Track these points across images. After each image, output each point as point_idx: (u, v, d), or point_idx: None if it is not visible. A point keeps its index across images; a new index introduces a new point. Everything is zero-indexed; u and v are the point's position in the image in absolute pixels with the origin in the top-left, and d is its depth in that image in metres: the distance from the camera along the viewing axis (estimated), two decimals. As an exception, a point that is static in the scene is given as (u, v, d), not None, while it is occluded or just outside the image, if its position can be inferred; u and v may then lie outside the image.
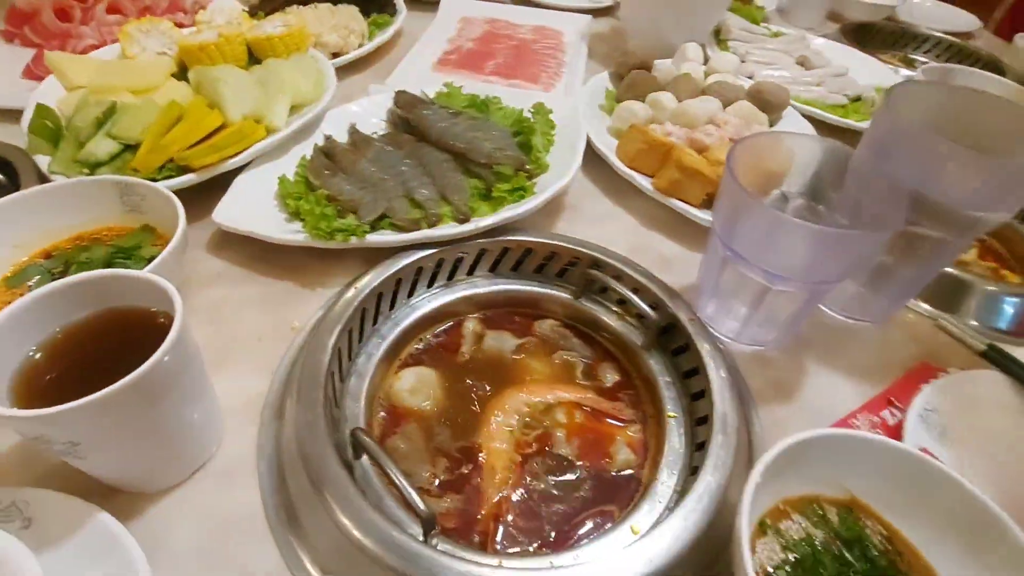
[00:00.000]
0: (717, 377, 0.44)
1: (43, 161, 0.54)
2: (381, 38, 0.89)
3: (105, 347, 0.33)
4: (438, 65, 0.89)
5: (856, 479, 0.38)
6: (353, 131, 0.67)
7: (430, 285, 0.53)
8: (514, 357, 0.49)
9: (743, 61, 0.93)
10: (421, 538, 0.34)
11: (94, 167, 0.53)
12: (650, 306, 0.48)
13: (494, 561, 0.33)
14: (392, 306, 0.50)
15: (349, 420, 0.41)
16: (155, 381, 0.31)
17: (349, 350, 0.45)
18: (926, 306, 0.57)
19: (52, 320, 0.33)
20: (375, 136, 0.67)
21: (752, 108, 0.73)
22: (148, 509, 0.36)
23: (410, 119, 0.66)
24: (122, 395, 0.29)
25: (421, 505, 0.34)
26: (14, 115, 0.61)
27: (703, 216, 0.60)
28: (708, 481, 0.38)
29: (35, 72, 0.73)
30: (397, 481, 0.35)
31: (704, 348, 0.45)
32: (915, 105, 0.48)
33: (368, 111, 0.70)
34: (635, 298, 0.49)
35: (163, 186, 0.47)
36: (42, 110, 0.57)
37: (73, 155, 0.53)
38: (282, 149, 0.63)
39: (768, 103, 0.74)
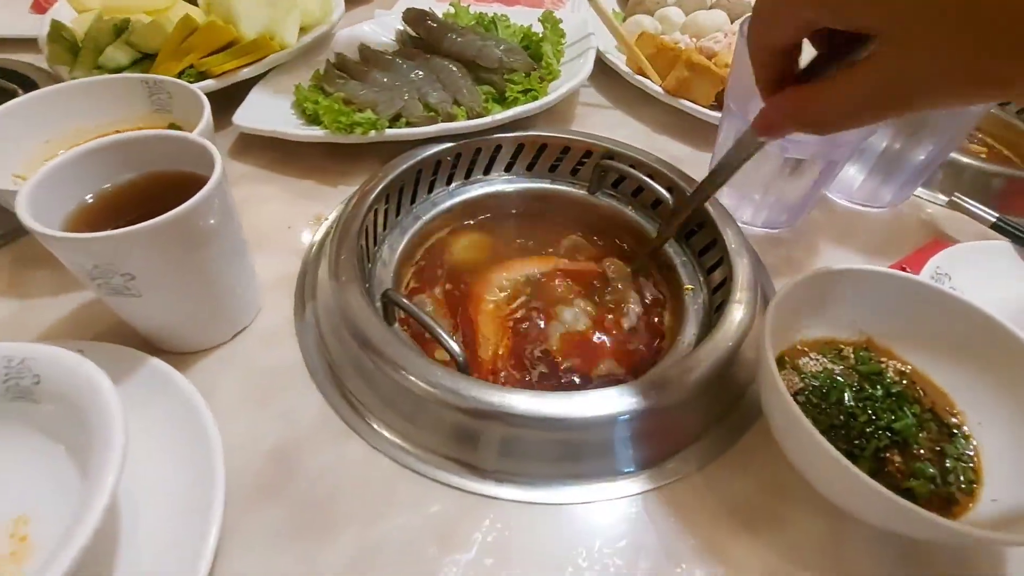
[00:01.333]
0: (733, 240, 0.45)
1: (63, 72, 0.55)
2: (385, -32, 0.89)
3: (151, 202, 0.35)
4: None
5: (872, 321, 0.39)
6: (363, 48, 0.67)
7: (448, 183, 0.54)
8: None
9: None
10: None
11: (113, 72, 0.54)
12: (666, 190, 0.49)
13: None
14: (413, 200, 0.51)
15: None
16: (199, 222, 0.32)
17: (375, 235, 0.47)
18: (936, 193, 0.59)
19: (102, 176, 0.35)
20: (386, 54, 0.67)
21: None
22: (194, 364, 0.38)
23: (419, 33, 0.66)
24: (171, 227, 0.31)
25: (456, 347, 0.36)
26: (27, 44, 0.63)
27: (713, 115, 0.61)
28: (730, 321, 0.39)
29: (43, 5, 0.74)
30: (431, 326, 0.36)
31: (719, 219, 0.47)
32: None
33: (377, 32, 0.71)
34: (651, 182, 0.50)
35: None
36: (57, 25, 0.57)
37: (93, 63, 0.54)
38: (293, 66, 0.64)
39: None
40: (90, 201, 0.34)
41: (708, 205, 0.48)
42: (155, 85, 0.49)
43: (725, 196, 0.54)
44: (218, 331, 0.39)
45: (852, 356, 0.38)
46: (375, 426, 0.36)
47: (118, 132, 0.48)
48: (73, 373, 0.28)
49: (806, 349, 0.39)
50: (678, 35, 0.69)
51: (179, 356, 0.38)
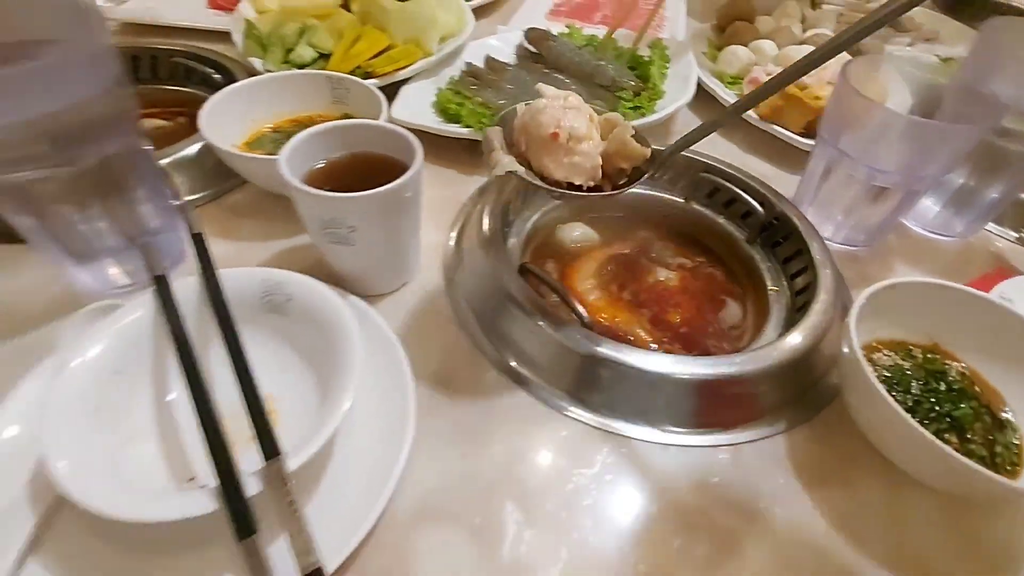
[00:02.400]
0: (818, 252, 0.52)
1: (256, 63, 0.66)
2: (502, -12, 0.99)
3: (359, 175, 0.44)
4: (550, 15, 0.98)
5: (940, 329, 0.45)
6: (490, 60, 0.77)
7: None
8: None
9: (837, 22, 0.99)
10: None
11: (299, 67, 0.65)
12: (758, 203, 0.57)
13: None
14: (536, 192, 0.60)
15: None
16: (406, 193, 0.42)
17: (505, 216, 0.56)
18: (1006, 229, 0.64)
19: (326, 150, 0.45)
20: (508, 65, 0.77)
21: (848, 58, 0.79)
22: (373, 305, 0.47)
23: (540, 50, 0.76)
24: (391, 194, 0.40)
25: (582, 309, 0.45)
26: (210, 35, 0.76)
27: (802, 140, 0.68)
28: (813, 319, 0.46)
29: (219, 3, 0.87)
30: (562, 291, 0.45)
31: (805, 231, 0.54)
32: (1014, 34, 0.54)
33: (500, 46, 0.81)
34: (746, 195, 0.57)
35: (359, 83, 0.59)
36: (250, 23, 0.69)
37: (282, 57, 0.66)
38: (432, 71, 0.74)
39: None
40: (319, 167, 0.45)
41: (795, 219, 0.55)
42: (337, 81, 0.60)
43: (810, 213, 0.60)
44: (394, 280, 0.49)
45: (920, 356, 0.45)
46: (512, 364, 0.45)
47: (310, 118, 0.60)
48: (322, 298, 0.38)
49: (880, 347, 0.46)
50: (771, 66, 0.76)
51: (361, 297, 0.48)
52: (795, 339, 0.44)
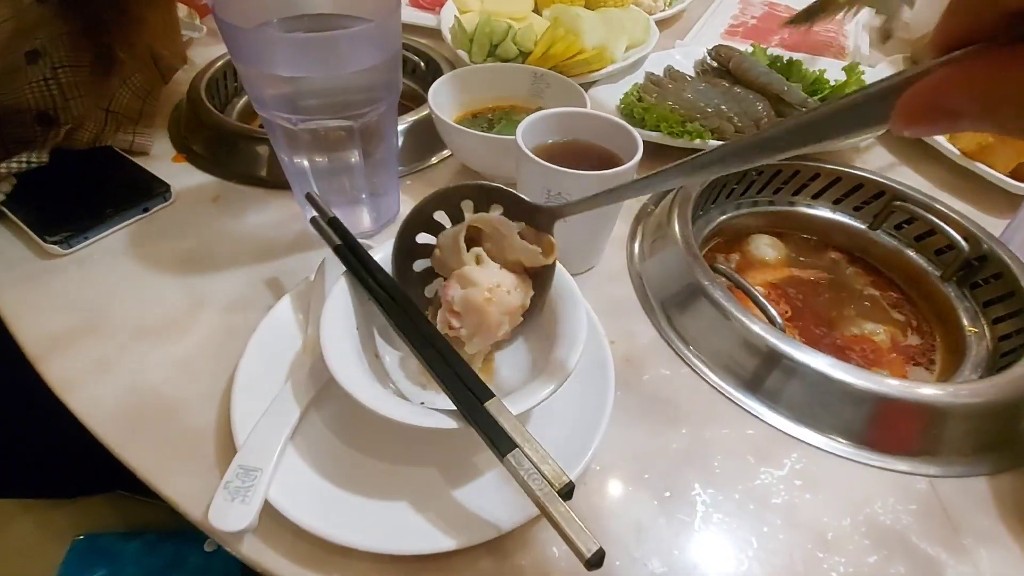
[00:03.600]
0: (1035, 298, 0.49)
1: (464, 56, 0.73)
2: (680, 6, 1.01)
3: (576, 158, 0.47)
4: (726, 34, 0.99)
5: None
6: (671, 70, 0.79)
7: (743, 194, 0.63)
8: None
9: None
10: (780, 338, 0.44)
11: (504, 62, 0.70)
12: (961, 238, 0.54)
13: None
14: (715, 199, 0.61)
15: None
16: (624, 179, 0.44)
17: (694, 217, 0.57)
18: None
19: (553, 131, 0.49)
20: (688, 76, 0.78)
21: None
22: (563, 282, 0.50)
23: (725, 65, 0.77)
24: (615, 177, 0.43)
25: (776, 313, 0.45)
26: (414, 30, 0.84)
27: (1012, 183, 0.63)
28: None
29: (421, 3, 0.95)
30: (754, 294, 0.46)
31: (1020, 272, 0.50)
32: None
33: (680, 60, 0.82)
34: (946, 227, 0.55)
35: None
36: (459, 21, 0.76)
37: (486, 51, 0.71)
38: (616, 77, 0.77)
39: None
40: (546, 144, 0.48)
41: (1006, 258, 0.52)
42: (540, 76, 0.64)
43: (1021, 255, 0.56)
44: (586, 261, 0.52)
45: None
46: (697, 355, 0.46)
47: (511, 106, 0.64)
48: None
49: (1110, 403, 0.42)
50: None
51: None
52: (1012, 379, 0.42)
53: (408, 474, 0.35)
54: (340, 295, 0.36)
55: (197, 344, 0.44)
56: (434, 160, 0.65)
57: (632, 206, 0.61)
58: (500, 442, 0.29)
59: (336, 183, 0.49)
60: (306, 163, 0.47)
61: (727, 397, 0.43)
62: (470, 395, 0.30)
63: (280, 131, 0.45)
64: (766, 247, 0.59)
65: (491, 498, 0.34)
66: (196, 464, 0.36)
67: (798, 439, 0.41)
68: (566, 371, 0.33)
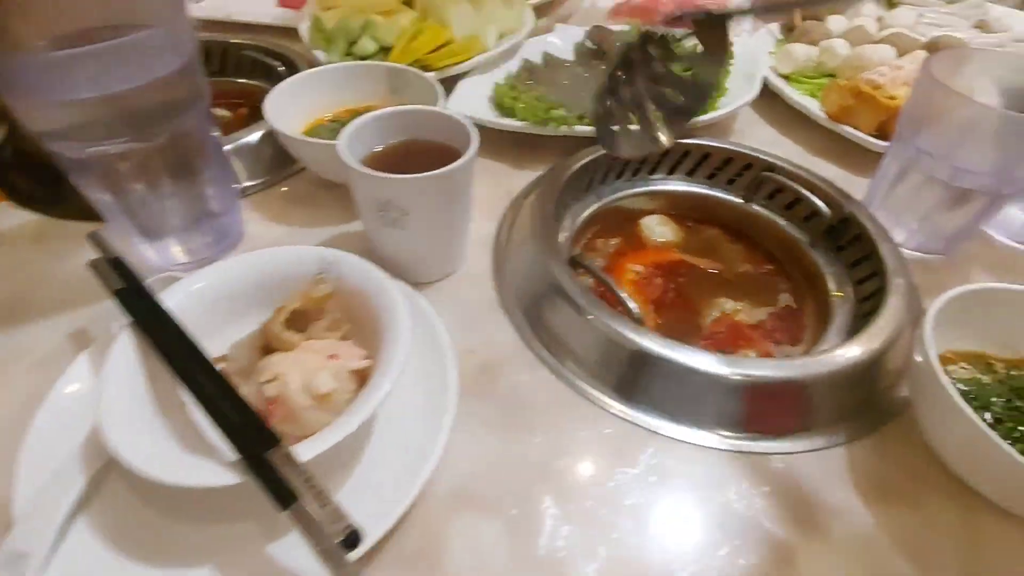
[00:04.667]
0: (889, 257, 0.49)
1: (320, 55, 0.68)
2: (561, -12, 0.99)
3: (414, 160, 0.45)
4: (611, 14, 0.97)
5: (1024, 340, 0.42)
6: (548, 56, 0.77)
7: (618, 178, 0.62)
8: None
9: (917, 22, 0.93)
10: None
11: (361, 59, 0.67)
12: (823, 204, 0.54)
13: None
14: (587, 188, 0.59)
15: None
16: (460, 178, 0.42)
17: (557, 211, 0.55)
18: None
19: (383, 135, 0.46)
20: (565, 62, 0.76)
21: (929, 56, 0.74)
22: (421, 292, 0.48)
23: (601, 47, 0.75)
24: (445, 178, 0.40)
25: (634, 305, 0.43)
26: (277, 32, 0.80)
27: (875, 142, 0.64)
28: (880, 327, 0.43)
29: (288, 1, 0.90)
30: (612, 286, 0.44)
31: (876, 235, 0.51)
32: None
33: (559, 44, 0.80)
34: (811, 195, 0.55)
35: (416, 76, 0.59)
36: (316, 19, 0.72)
37: (345, 50, 0.67)
38: (490, 67, 0.74)
39: (946, 52, 0.76)
40: (377, 151, 0.45)
41: (865, 221, 0.52)
42: (396, 73, 0.61)
43: (881, 217, 0.57)
44: (442, 268, 0.49)
45: (1002, 370, 0.41)
46: (557, 357, 0.44)
47: (368, 108, 0.61)
48: (369, 276, 0.38)
49: (956, 358, 0.42)
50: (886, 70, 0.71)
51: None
52: (860, 346, 0.42)
53: (223, 534, 0.32)
54: (122, 348, 0.32)
55: (-7, 410, 0.39)
56: (297, 169, 0.61)
57: (502, 201, 0.58)
58: (280, 494, 0.26)
59: (155, 211, 0.45)
60: (109, 196, 0.42)
61: (585, 397, 0.42)
62: (251, 443, 0.27)
63: (73, 164, 0.40)
64: (650, 228, 0.57)
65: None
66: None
67: (656, 432, 0.40)
68: (366, 410, 0.30)
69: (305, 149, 0.52)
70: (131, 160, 0.41)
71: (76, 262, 0.50)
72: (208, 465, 0.28)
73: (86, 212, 0.53)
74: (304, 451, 0.28)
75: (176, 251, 0.48)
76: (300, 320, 0.36)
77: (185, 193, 0.45)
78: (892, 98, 0.65)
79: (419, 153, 0.46)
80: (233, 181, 0.50)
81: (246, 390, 0.31)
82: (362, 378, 0.35)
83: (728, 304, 0.51)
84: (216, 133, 0.47)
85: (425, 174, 0.39)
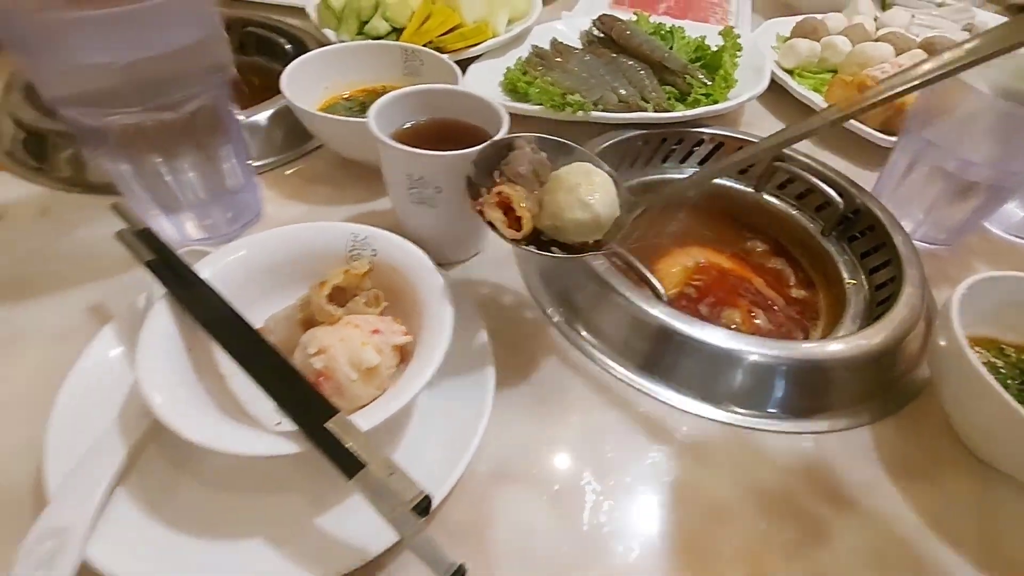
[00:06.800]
0: (903, 246, 0.50)
1: (331, 34, 0.67)
2: (566, -23, 0.98)
3: (442, 139, 0.44)
4: (614, 4, 0.98)
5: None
6: (556, 42, 0.77)
7: (631, 165, 0.62)
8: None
9: (911, 22, 0.96)
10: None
11: (374, 39, 0.65)
12: (837, 194, 0.55)
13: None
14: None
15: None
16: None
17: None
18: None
19: (411, 113, 0.45)
20: (573, 49, 0.76)
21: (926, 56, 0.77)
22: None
23: (610, 35, 0.75)
24: (468, 158, 0.40)
25: (660, 287, 0.44)
26: (284, 10, 0.78)
27: (881, 136, 0.65)
28: (898, 313, 0.44)
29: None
30: (640, 269, 0.44)
31: (889, 225, 0.52)
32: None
33: (566, 30, 0.80)
34: (823, 185, 0.56)
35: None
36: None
37: (356, 29, 0.66)
38: (499, 52, 0.74)
39: (942, 52, 0.78)
40: (406, 128, 0.44)
41: (878, 212, 0.53)
42: (411, 53, 0.60)
43: (889, 208, 0.58)
44: (466, 249, 0.48)
45: (1014, 355, 0.43)
46: (587, 337, 0.44)
47: (383, 87, 0.60)
48: (406, 252, 0.38)
49: (971, 343, 0.43)
50: (887, 67, 0.73)
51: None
52: (881, 331, 0.43)
53: (267, 505, 0.31)
54: (159, 318, 0.31)
55: (9, 387, 0.37)
56: (310, 148, 0.59)
57: (520, 186, 0.58)
58: (346, 463, 0.25)
59: (173, 185, 0.43)
60: (128, 166, 0.41)
61: (618, 378, 0.42)
62: (311, 415, 0.27)
63: (89, 132, 0.39)
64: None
65: (357, 521, 0.30)
66: (4, 531, 0.31)
67: (689, 412, 0.40)
68: (419, 383, 0.30)
69: (328, 126, 0.51)
70: (149, 130, 0.40)
71: (83, 235, 0.48)
72: (267, 435, 0.27)
73: (89, 185, 0.51)
74: (363, 421, 0.27)
75: (193, 226, 0.47)
76: (339, 295, 0.35)
77: (203, 167, 0.44)
78: (895, 94, 0.67)
79: (447, 132, 0.46)
80: (249, 158, 0.49)
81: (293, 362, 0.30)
82: (402, 353, 0.35)
83: (755, 289, 0.51)
84: (235, 109, 0.46)
85: (461, 151, 0.39)
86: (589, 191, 0.35)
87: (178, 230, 0.46)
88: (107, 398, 0.33)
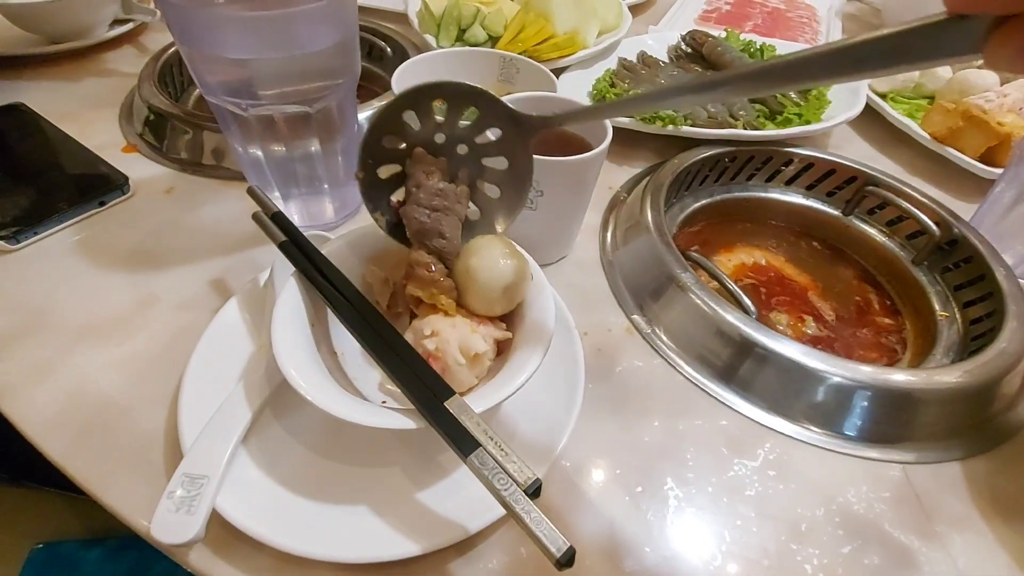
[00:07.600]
0: (1005, 281, 0.48)
1: (431, 40, 0.70)
2: (653, -9, 0.99)
3: (546, 147, 0.46)
4: (699, 20, 0.98)
5: None
6: (644, 56, 0.78)
7: (716, 180, 0.62)
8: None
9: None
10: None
11: (472, 46, 0.68)
12: (933, 223, 0.54)
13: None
14: (687, 187, 0.60)
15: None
16: (594, 166, 0.43)
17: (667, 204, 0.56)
18: None
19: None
20: (661, 62, 0.77)
21: (1034, 85, 0.73)
22: (534, 273, 0.49)
23: (699, 50, 0.75)
24: (585, 163, 0.41)
25: (747, 300, 0.44)
26: (384, 15, 0.82)
27: (982, 167, 0.63)
28: (998, 348, 0.43)
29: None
30: (727, 283, 0.45)
31: (990, 257, 0.50)
32: None
33: (654, 45, 0.81)
34: (919, 213, 0.54)
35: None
36: (425, 4, 0.73)
37: (454, 36, 0.69)
38: (588, 63, 0.75)
39: (1052, 83, 0.74)
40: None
41: (977, 243, 0.52)
42: (509, 61, 0.62)
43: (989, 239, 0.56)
44: (556, 251, 0.50)
45: None
46: (671, 346, 0.45)
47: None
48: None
49: (1078, 385, 0.42)
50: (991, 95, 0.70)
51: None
52: (984, 364, 0.42)
53: (370, 476, 0.34)
54: (290, 293, 0.34)
55: (145, 345, 0.41)
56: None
57: (604, 195, 0.59)
58: (462, 442, 0.27)
59: (294, 173, 0.47)
60: (260, 153, 0.44)
61: (700, 388, 0.42)
62: (429, 394, 0.29)
63: (231, 118, 0.43)
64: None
65: (457, 498, 0.32)
66: (143, 472, 0.34)
67: (772, 429, 0.40)
68: (530, 368, 0.32)
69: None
70: (283, 122, 0.43)
71: (207, 213, 0.52)
72: (389, 411, 0.29)
73: (209, 168, 0.56)
74: (476, 404, 0.29)
75: (303, 213, 0.50)
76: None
77: (323, 160, 0.47)
78: (1000, 124, 0.64)
79: (547, 139, 0.47)
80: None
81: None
82: (499, 348, 0.36)
83: (838, 312, 0.51)
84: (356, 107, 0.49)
85: (569, 158, 0.40)
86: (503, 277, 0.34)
87: (288, 215, 0.50)
88: (235, 362, 0.36)
